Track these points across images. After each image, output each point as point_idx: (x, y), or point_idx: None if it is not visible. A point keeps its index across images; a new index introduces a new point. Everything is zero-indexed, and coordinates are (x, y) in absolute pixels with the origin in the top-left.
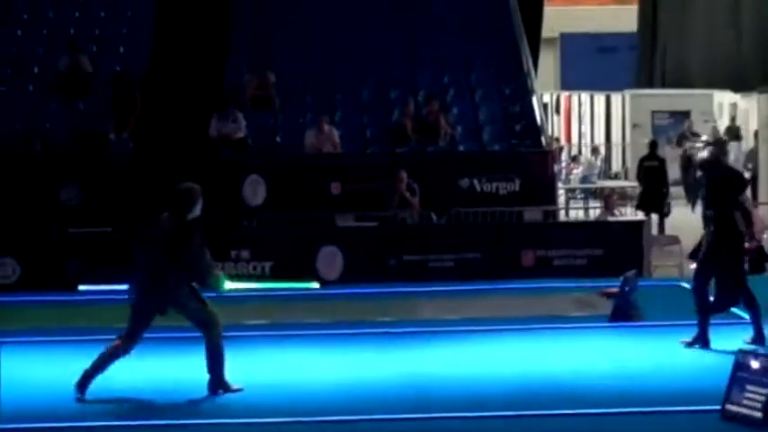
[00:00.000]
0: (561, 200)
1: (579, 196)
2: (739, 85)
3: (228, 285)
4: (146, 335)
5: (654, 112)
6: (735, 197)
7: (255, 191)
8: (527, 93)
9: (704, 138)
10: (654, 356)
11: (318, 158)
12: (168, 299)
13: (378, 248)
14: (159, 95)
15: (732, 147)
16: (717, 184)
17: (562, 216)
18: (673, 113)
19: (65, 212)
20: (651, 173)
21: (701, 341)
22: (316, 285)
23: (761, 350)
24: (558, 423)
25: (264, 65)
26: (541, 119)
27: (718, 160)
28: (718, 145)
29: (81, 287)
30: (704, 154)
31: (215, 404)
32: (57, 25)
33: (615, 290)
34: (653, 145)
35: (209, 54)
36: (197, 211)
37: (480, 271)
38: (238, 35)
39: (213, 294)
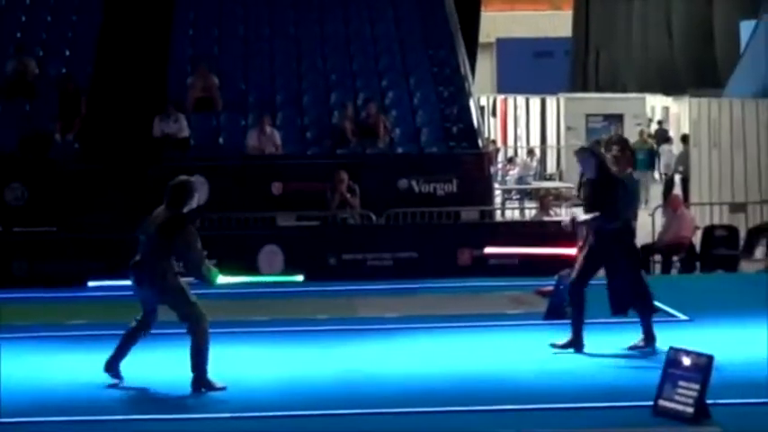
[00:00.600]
0: (498, 200)
1: (515, 197)
2: (671, 89)
3: (221, 279)
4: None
5: (588, 116)
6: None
7: (199, 191)
8: (464, 96)
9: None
10: (587, 353)
11: (260, 159)
12: (156, 290)
13: (318, 247)
14: (104, 98)
15: (663, 150)
16: (599, 191)
17: (498, 216)
18: (606, 117)
19: (10, 212)
20: None
21: (648, 341)
22: (300, 278)
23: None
24: (491, 418)
25: (207, 67)
26: (478, 121)
27: (602, 166)
28: (591, 150)
29: (90, 283)
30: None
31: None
32: (3, 29)
33: (550, 288)
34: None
35: (152, 57)
36: (193, 203)
37: (418, 269)
38: (181, 38)
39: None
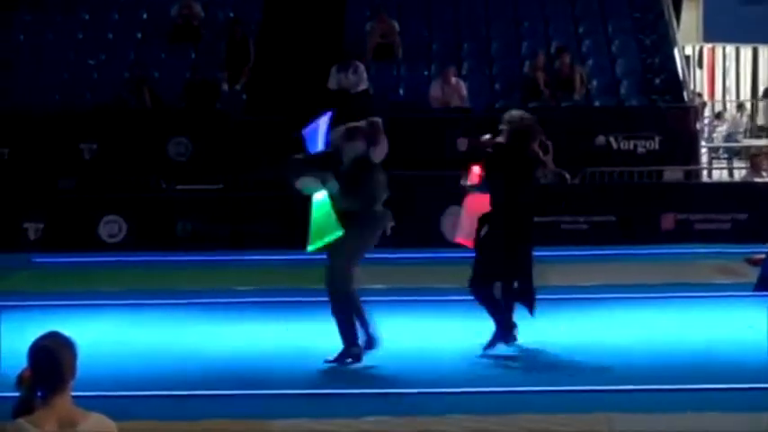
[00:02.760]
0: (704, 159)
1: (723, 156)
2: None
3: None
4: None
5: None
6: None
7: None
8: (668, 44)
9: None
10: None
11: (444, 112)
12: None
13: None
14: (275, 45)
15: None
16: None
17: (705, 177)
18: None
19: (173, 168)
20: None
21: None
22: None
23: None
24: (696, 398)
25: (388, 12)
26: (683, 72)
27: None
28: None
29: None
30: None
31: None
32: None
33: (761, 256)
34: None
35: (327, 0)
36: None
37: (616, 234)
38: None
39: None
